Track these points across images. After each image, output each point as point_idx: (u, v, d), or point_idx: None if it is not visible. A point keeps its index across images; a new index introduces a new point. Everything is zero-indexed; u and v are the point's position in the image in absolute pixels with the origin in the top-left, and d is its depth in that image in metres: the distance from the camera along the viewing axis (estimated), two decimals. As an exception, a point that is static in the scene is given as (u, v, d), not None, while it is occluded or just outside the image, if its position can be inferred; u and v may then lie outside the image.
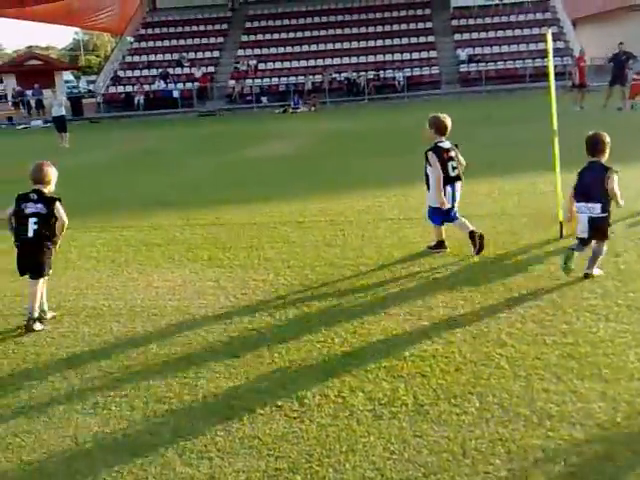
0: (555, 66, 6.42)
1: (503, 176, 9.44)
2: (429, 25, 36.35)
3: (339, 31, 36.90)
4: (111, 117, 31.50)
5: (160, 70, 35.33)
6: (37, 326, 4.64)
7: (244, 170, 12.23)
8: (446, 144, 5.76)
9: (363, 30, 36.64)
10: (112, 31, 54.30)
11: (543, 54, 30.08)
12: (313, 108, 29.30)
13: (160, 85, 34.06)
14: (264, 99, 32.75)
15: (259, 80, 34.08)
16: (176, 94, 33.23)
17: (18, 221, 4.72)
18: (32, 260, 4.69)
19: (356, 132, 18.01)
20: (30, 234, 4.64)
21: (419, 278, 5.26)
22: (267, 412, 3.31)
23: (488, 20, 35.78)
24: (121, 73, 36.22)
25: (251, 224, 7.63)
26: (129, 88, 34.24)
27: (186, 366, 3.91)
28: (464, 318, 4.34)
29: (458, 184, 5.77)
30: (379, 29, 36.51)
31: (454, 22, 36.15)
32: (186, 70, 35.57)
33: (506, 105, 23.35)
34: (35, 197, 4.71)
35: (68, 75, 56.67)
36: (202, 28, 39.12)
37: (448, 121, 5.78)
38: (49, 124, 30.17)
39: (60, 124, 19.79)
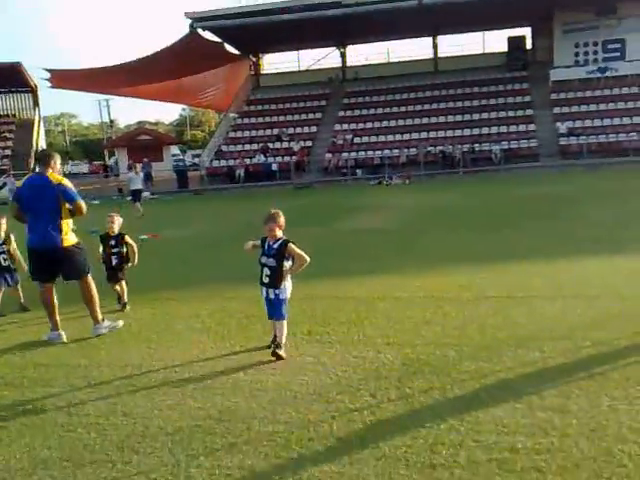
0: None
1: (611, 254, 9.05)
2: (528, 99, 36.22)
3: (435, 105, 37.45)
4: (213, 189, 32.96)
5: (261, 145, 36.93)
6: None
7: (338, 243, 12.34)
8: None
9: (459, 104, 36.98)
10: (217, 108, 57.51)
11: (649, 127, 29.20)
12: (407, 180, 29.51)
13: (260, 159, 35.52)
14: (359, 171, 33.40)
15: (354, 153, 34.88)
16: (275, 167, 34.48)
17: None
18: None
19: (451, 205, 17.92)
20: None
21: (527, 363, 5.03)
22: (373, 502, 3.20)
23: (589, 93, 35.24)
24: (224, 148, 38.13)
25: (348, 298, 7.61)
26: (231, 162, 35.91)
27: (289, 446, 3.87)
28: (580, 409, 4.09)
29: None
30: (476, 103, 36.72)
31: (553, 95, 35.83)
32: (285, 144, 36.99)
33: (611, 179, 22.61)
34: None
35: (175, 149, 60.11)
36: (302, 105, 40.79)
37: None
38: (156, 196, 32.03)
39: (136, 196, 22.76)
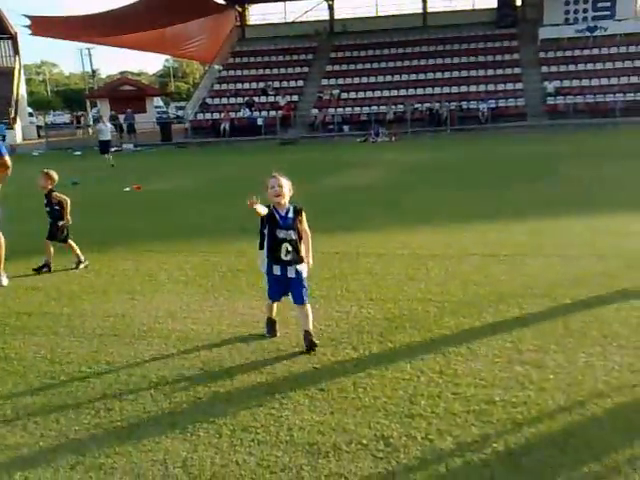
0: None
1: (595, 215, 9.14)
2: (516, 57, 35.91)
3: (423, 62, 37.04)
4: (198, 143, 32.55)
5: (246, 98, 36.39)
6: None
7: (324, 199, 12.30)
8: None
9: (448, 61, 36.61)
10: (201, 59, 56.39)
11: (636, 88, 29.13)
12: (394, 138, 29.35)
13: (245, 113, 35.06)
14: (345, 128, 33.14)
15: (341, 109, 34.52)
16: (260, 122, 34.07)
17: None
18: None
19: (437, 163, 17.91)
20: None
21: (507, 318, 5.11)
22: (352, 450, 3.26)
23: (577, 52, 34.99)
24: (209, 100, 37.52)
25: (333, 254, 7.63)
26: (216, 115, 35.37)
27: (271, 396, 3.92)
28: (557, 364, 4.17)
29: None
30: (464, 60, 36.35)
31: (542, 54, 35.55)
32: (271, 99, 36.49)
33: (596, 140, 22.66)
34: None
35: (158, 101, 59.11)
36: (288, 58, 40.11)
37: None
38: (139, 148, 31.64)
39: (105, 147, 22.89)
